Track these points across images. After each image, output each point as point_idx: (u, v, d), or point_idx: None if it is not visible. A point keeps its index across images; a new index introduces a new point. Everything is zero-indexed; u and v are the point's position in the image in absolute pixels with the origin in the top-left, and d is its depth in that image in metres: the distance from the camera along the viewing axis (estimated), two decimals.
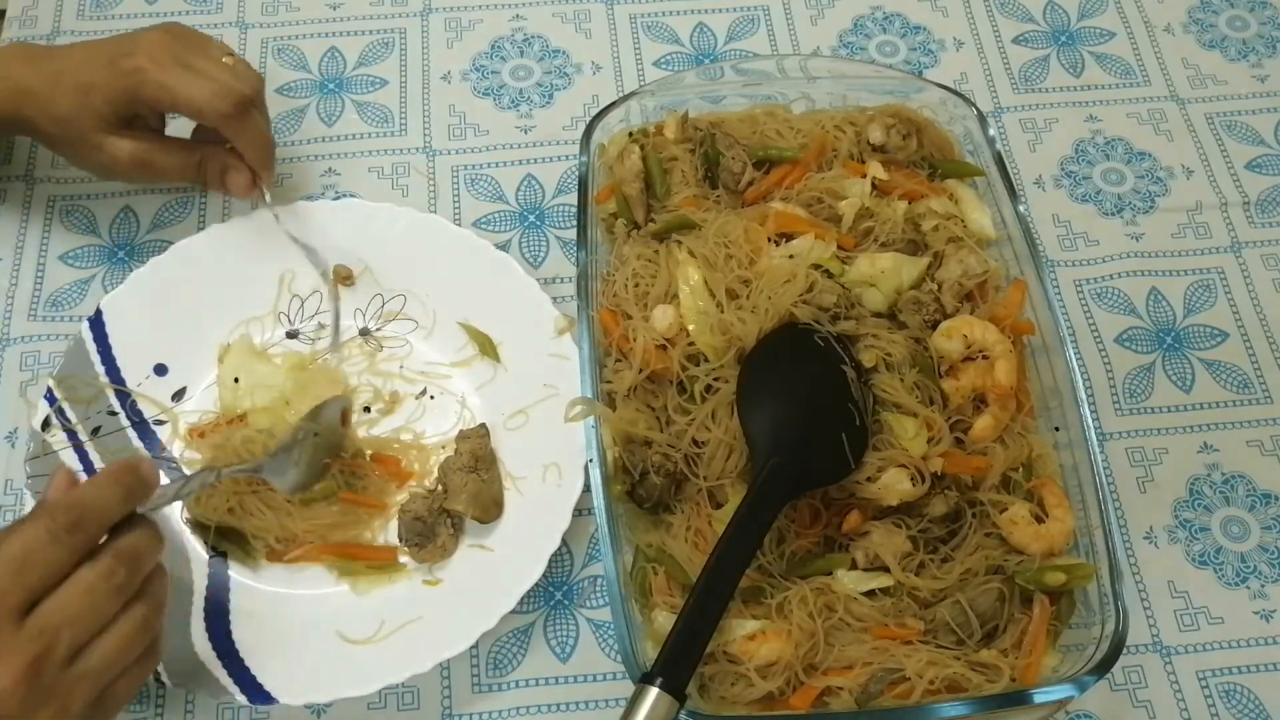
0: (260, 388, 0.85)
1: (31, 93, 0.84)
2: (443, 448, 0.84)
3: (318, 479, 0.80)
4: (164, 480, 0.76)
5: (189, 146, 0.89)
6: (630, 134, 0.90)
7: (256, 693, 0.74)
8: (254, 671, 0.75)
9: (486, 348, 0.88)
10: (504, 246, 0.93)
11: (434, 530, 0.79)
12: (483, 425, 0.83)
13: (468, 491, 0.80)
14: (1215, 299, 0.96)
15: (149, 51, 0.83)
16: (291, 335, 0.90)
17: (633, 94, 0.91)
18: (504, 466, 0.84)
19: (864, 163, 0.89)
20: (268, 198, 0.90)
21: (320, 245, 0.90)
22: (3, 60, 0.85)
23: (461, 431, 0.83)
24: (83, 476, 0.81)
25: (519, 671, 0.79)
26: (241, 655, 0.76)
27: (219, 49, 0.87)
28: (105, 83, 0.83)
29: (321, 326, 0.90)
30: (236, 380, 0.86)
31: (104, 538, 0.63)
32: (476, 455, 0.81)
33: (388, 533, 0.82)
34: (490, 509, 0.81)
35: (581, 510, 0.81)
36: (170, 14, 1.08)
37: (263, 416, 0.84)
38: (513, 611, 0.77)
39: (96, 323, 0.87)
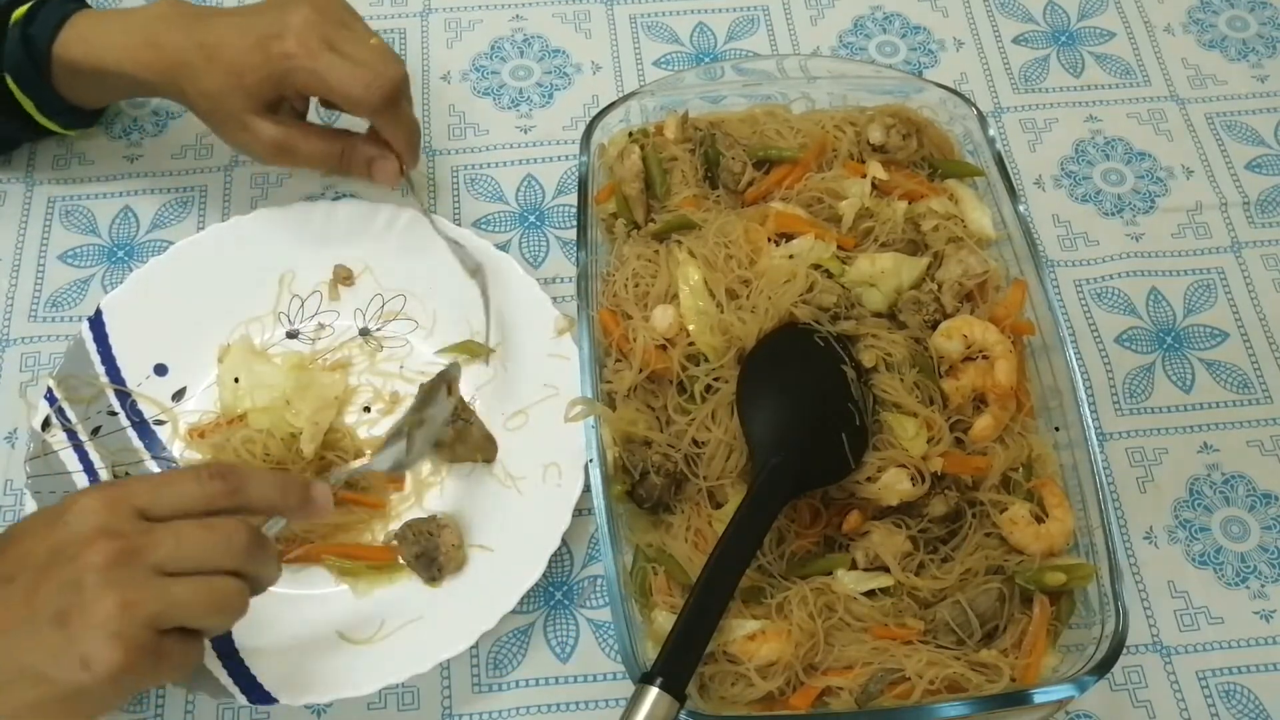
0: (260, 388, 0.85)
1: (186, 65, 0.83)
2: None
3: (428, 455, 0.81)
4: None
5: (331, 135, 0.88)
6: (630, 134, 0.90)
7: (256, 693, 0.74)
8: (254, 671, 0.75)
9: (478, 351, 0.88)
10: (504, 246, 0.93)
11: (436, 549, 0.79)
12: (444, 371, 0.82)
13: (462, 443, 0.81)
14: (1215, 299, 0.96)
15: (299, 34, 0.82)
16: (291, 335, 0.90)
17: (633, 94, 0.91)
18: (504, 466, 0.84)
19: (864, 163, 0.89)
20: (412, 188, 0.90)
21: (466, 241, 0.89)
22: (156, 24, 0.85)
23: (421, 386, 0.82)
24: (83, 477, 0.81)
25: (519, 671, 0.79)
26: (241, 655, 0.76)
27: (365, 29, 0.87)
28: (256, 65, 0.82)
29: (321, 326, 0.90)
30: (236, 380, 0.86)
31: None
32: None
33: (387, 533, 0.82)
34: (487, 447, 0.82)
35: (581, 510, 0.81)
36: None
37: (263, 416, 0.84)
38: (513, 611, 0.77)
39: (96, 323, 0.87)
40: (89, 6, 0.90)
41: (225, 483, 0.64)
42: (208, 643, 0.76)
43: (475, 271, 0.88)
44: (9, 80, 0.87)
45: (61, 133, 0.95)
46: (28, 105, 0.89)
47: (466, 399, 0.86)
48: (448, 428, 0.81)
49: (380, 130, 0.87)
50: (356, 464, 0.80)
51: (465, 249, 0.89)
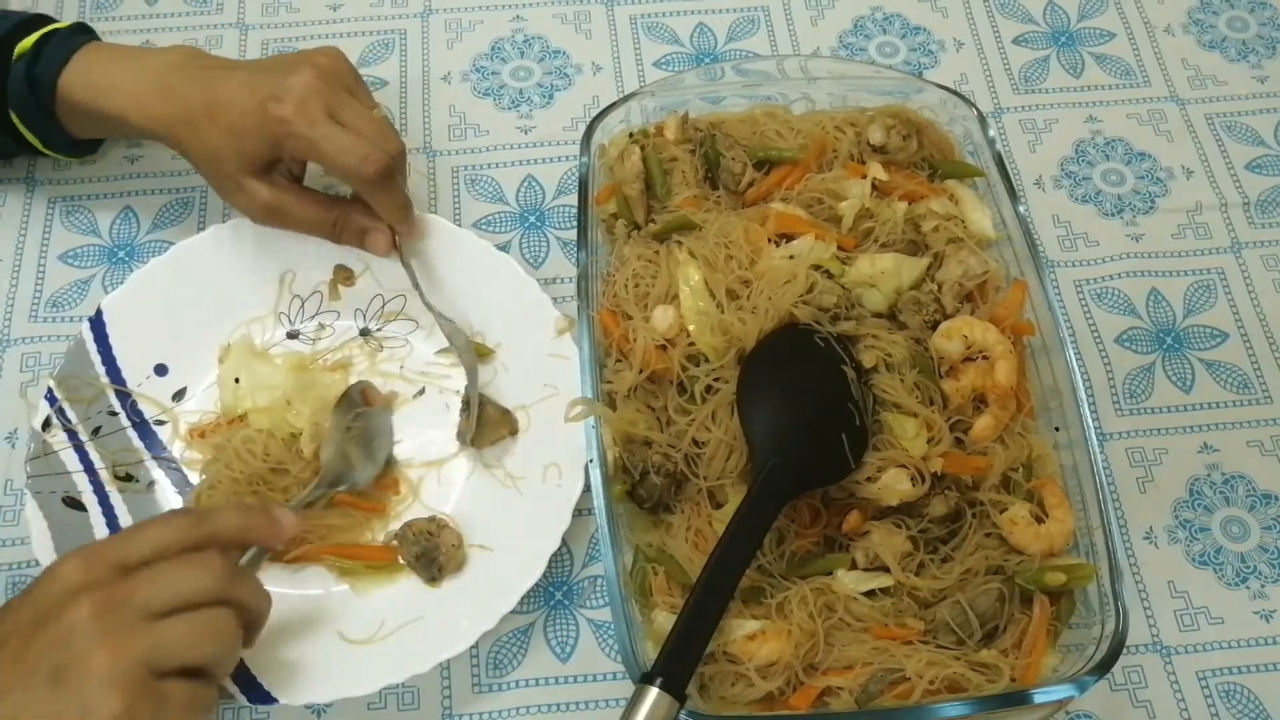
0: (261, 388, 0.85)
1: (190, 121, 0.83)
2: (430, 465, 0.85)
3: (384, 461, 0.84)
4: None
5: (325, 202, 0.88)
6: (630, 134, 0.90)
7: (256, 693, 0.74)
8: (254, 671, 0.75)
9: (480, 351, 0.88)
10: (504, 247, 0.93)
11: (436, 549, 0.79)
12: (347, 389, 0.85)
13: (482, 429, 0.83)
14: (1215, 299, 0.96)
15: (299, 100, 0.81)
16: (292, 335, 0.90)
17: (633, 94, 0.91)
18: (504, 466, 0.84)
19: (864, 163, 0.89)
20: (404, 259, 0.89)
21: (458, 317, 0.88)
22: (170, 73, 0.85)
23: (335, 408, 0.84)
24: (83, 477, 0.81)
25: (519, 671, 0.79)
26: (241, 655, 0.76)
27: (368, 98, 0.87)
28: (254, 127, 0.82)
29: (322, 327, 0.90)
30: (237, 381, 0.86)
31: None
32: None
33: (387, 533, 0.82)
34: (508, 421, 0.84)
35: (581, 510, 0.81)
36: (170, 15, 1.08)
37: (263, 417, 0.84)
38: (513, 611, 0.77)
39: (97, 323, 0.87)
40: (96, 37, 0.89)
41: (190, 517, 0.67)
42: None
43: (463, 350, 0.87)
44: (13, 117, 0.87)
45: (65, 159, 0.95)
46: (32, 140, 0.90)
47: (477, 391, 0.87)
48: (390, 437, 0.85)
49: (371, 204, 0.86)
50: (309, 489, 0.80)
51: (455, 326, 0.87)
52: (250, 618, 0.68)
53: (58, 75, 0.85)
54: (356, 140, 0.82)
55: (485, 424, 0.84)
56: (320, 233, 0.89)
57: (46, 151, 0.92)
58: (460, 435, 0.84)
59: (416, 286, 0.88)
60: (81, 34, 0.88)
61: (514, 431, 0.84)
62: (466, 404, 0.84)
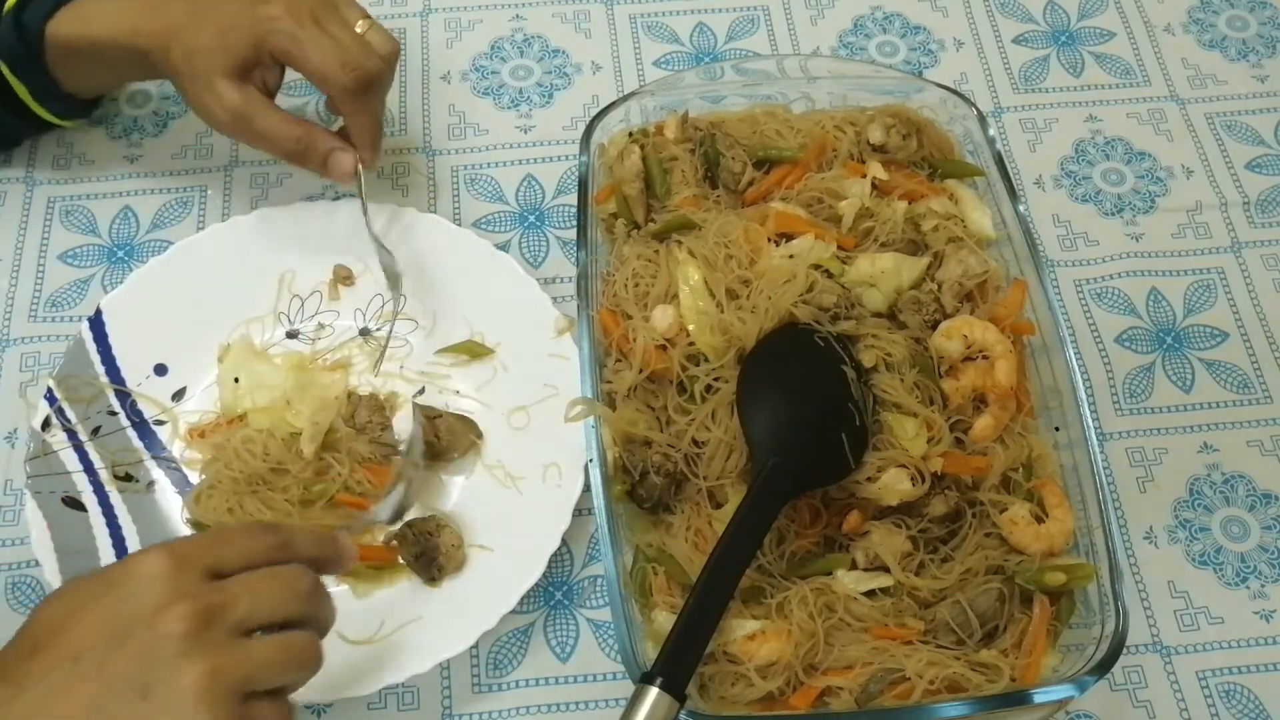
0: (260, 388, 0.85)
1: (178, 27, 0.84)
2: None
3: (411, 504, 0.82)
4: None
5: (292, 120, 0.87)
6: (630, 134, 0.90)
7: None
8: None
9: (478, 351, 0.88)
10: (504, 247, 0.93)
11: (436, 549, 0.79)
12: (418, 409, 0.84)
13: (447, 444, 0.83)
14: (1215, 299, 0.96)
15: (289, 2, 0.82)
16: (291, 335, 0.90)
17: (633, 94, 0.91)
18: (504, 466, 0.84)
19: (864, 163, 0.89)
20: (362, 187, 0.89)
21: (398, 253, 0.89)
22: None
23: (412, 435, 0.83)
24: (83, 477, 0.81)
25: (519, 671, 0.79)
26: None
27: (358, 11, 0.86)
28: (241, 25, 0.82)
29: (321, 326, 0.90)
30: (236, 380, 0.86)
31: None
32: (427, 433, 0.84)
33: (387, 533, 0.82)
34: (471, 428, 0.84)
35: (581, 510, 0.81)
36: None
37: (263, 417, 0.84)
38: (513, 611, 0.77)
39: (96, 323, 0.87)
40: None
41: (277, 536, 0.64)
42: None
43: (393, 281, 0.88)
44: (2, 67, 0.87)
45: (57, 123, 0.94)
46: (21, 91, 0.89)
47: (468, 401, 0.86)
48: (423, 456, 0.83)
49: (345, 116, 0.86)
50: (361, 517, 0.80)
51: (391, 255, 0.88)
52: (322, 635, 0.66)
53: (47, 18, 0.85)
54: (340, 48, 0.82)
55: (451, 437, 0.83)
56: (285, 147, 0.87)
57: (36, 108, 0.91)
58: (397, 513, 0.81)
59: (365, 214, 0.89)
60: None
61: (479, 436, 0.84)
62: (398, 478, 0.81)
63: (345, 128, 0.88)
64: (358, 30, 0.85)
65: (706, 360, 0.78)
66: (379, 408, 0.85)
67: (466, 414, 0.85)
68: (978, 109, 0.90)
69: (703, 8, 1.11)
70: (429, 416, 0.83)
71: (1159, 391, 0.91)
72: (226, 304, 0.90)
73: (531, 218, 0.98)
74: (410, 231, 0.92)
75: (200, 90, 0.84)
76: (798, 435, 0.76)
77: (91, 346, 0.86)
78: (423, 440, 0.81)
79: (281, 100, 1.01)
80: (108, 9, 0.86)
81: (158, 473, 0.84)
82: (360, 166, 0.88)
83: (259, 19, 0.82)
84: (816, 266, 0.81)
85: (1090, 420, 0.77)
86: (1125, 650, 0.70)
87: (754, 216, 0.84)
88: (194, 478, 0.84)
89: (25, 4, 0.86)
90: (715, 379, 0.78)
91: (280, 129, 0.86)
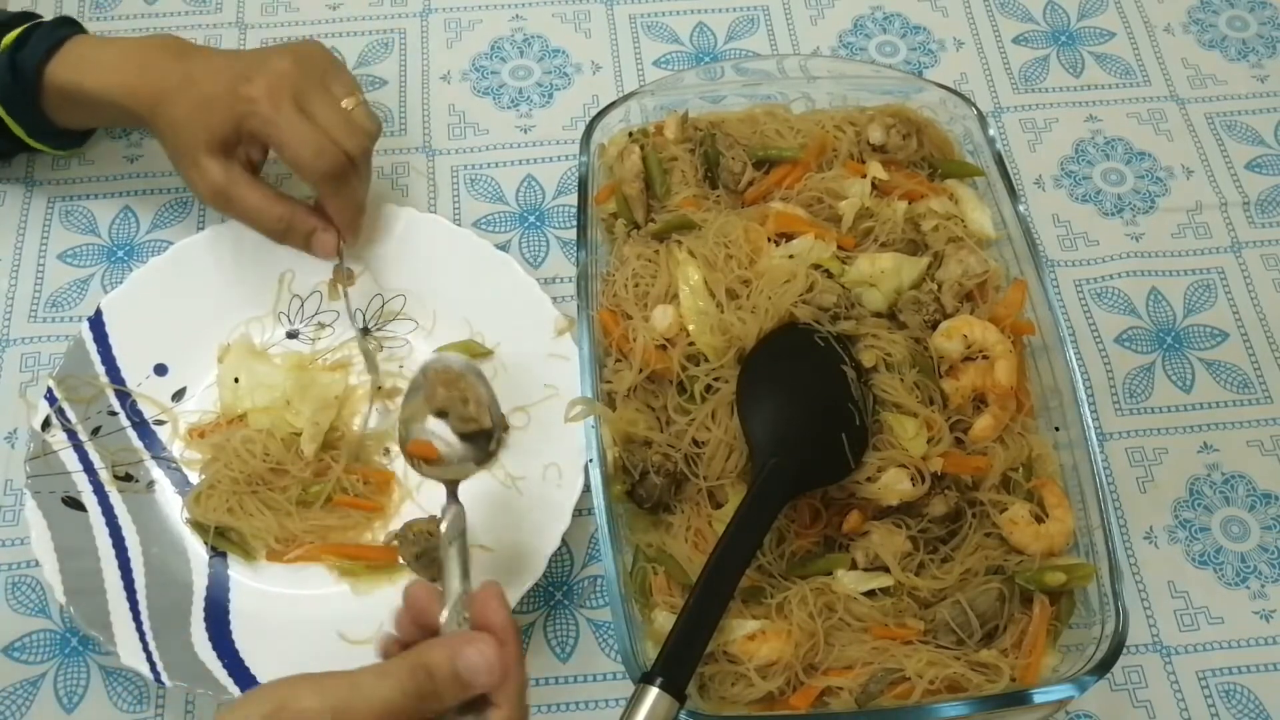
0: (260, 388, 0.85)
1: (167, 92, 0.84)
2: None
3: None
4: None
5: (275, 197, 0.86)
6: (630, 134, 0.90)
7: None
8: (254, 671, 0.75)
9: (477, 350, 0.88)
10: (504, 247, 0.93)
11: (436, 549, 0.78)
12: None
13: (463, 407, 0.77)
14: (1215, 299, 0.96)
15: (270, 83, 0.81)
16: (291, 335, 0.90)
17: (633, 94, 0.91)
18: (504, 466, 0.84)
19: (864, 163, 0.89)
20: (341, 265, 0.89)
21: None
22: (151, 52, 0.86)
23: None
24: (83, 477, 0.81)
25: None
26: (241, 655, 0.76)
27: (344, 88, 0.85)
28: (221, 102, 0.82)
29: (321, 326, 0.90)
30: (236, 380, 0.86)
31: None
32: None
33: (388, 533, 0.82)
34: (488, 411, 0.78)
35: (581, 510, 0.81)
36: (170, 14, 1.08)
37: (263, 417, 0.84)
38: (513, 611, 0.76)
39: (96, 323, 0.87)
40: (84, 31, 0.90)
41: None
42: (208, 643, 0.76)
43: (373, 364, 0.87)
44: None
45: (52, 153, 0.95)
46: (16, 129, 0.90)
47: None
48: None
49: (323, 201, 0.86)
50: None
51: (368, 339, 0.88)
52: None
53: (44, 63, 0.85)
54: (316, 133, 0.81)
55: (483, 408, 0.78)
56: (267, 225, 0.86)
57: (32, 142, 0.91)
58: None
59: (344, 294, 0.89)
60: (66, 27, 0.89)
61: (506, 428, 0.82)
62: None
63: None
64: (345, 106, 0.84)
65: (706, 360, 0.78)
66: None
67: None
68: (978, 109, 0.90)
69: (703, 8, 1.11)
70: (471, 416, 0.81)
71: (1159, 391, 0.91)
72: (226, 304, 0.90)
73: (531, 218, 0.98)
74: (410, 231, 0.92)
75: (185, 164, 0.85)
76: (798, 435, 0.76)
77: (91, 346, 0.86)
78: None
79: None
80: (103, 61, 0.86)
81: (158, 473, 0.84)
82: (343, 245, 0.88)
83: (239, 99, 0.81)
84: (816, 266, 0.81)
85: (1090, 420, 0.77)
86: (1125, 650, 0.70)
87: (754, 216, 0.84)
88: (194, 478, 0.84)
89: (21, 45, 0.86)
90: (715, 379, 0.78)
91: (262, 208, 0.85)
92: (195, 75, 0.83)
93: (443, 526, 0.66)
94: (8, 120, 0.89)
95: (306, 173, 0.82)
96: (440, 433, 0.72)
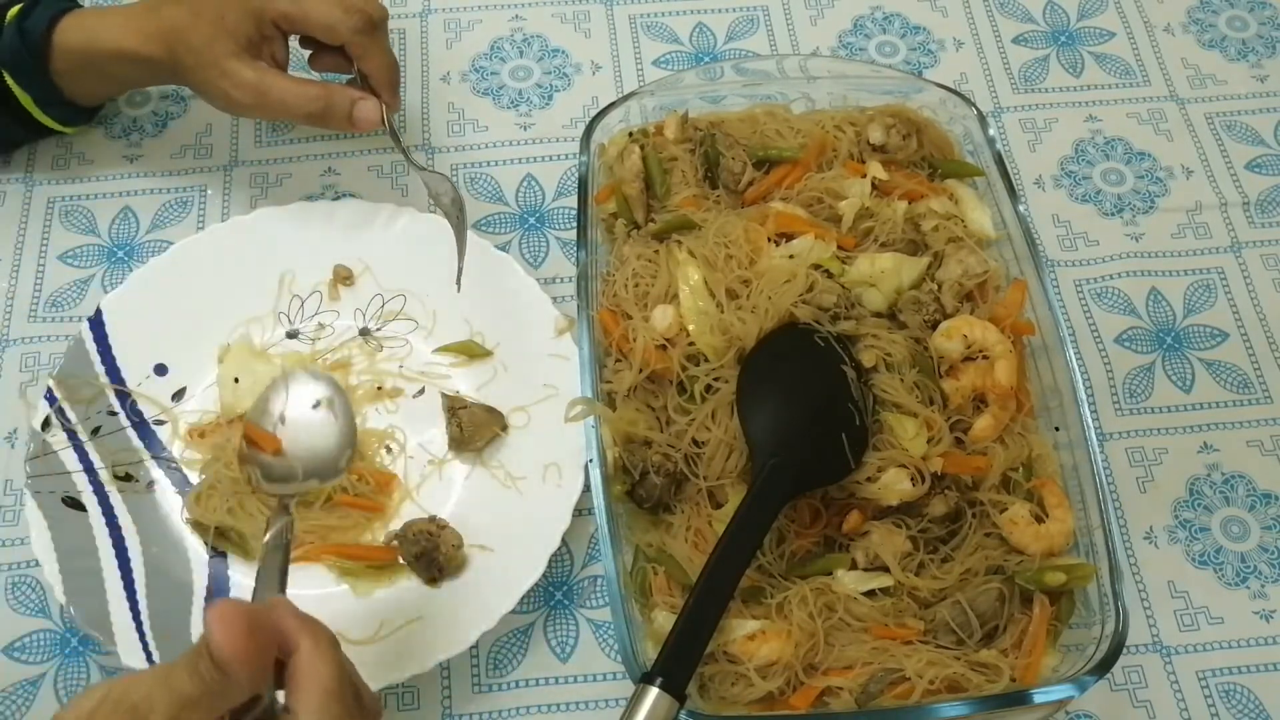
0: (260, 388, 0.85)
1: (178, 28, 0.85)
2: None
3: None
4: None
5: (309, 82, 0.88)
6: (630, 134, 0.90)
7: None
8: None
9: (476, 351, 0.88)
10: (504, 247, 0.93)
11: (436, 549, 0.79)
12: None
13: (471, 432, 0.83)
14: (1215, 299, 0.96)
15: None
16: (291, 335, 0.90)
17: (633, 94, 0.91)
18: (504, 466, 0.84)
19: (864, 163, 0.89)
20: (392, 127, 0.90)
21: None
22: (158, 2, 0.87)
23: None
24: (83, 477, 0.81)
25: (519, 671, 0.79)
26: None
27: None
28: (236, 5, 0.84)
29: (321, 326, 0.90)
30: (236, 380, 0.86)
31: None
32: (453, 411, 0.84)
33: (387, 533, 0.82)
34: (496, 419, 0.84)
35: (581, 510, 0.81)
36: None
37: None
38: (513, 611, 0.77)
39: (96, 323, 0.87)
40: (81, 6, 0.90)
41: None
42: None
43: (454, 203, 0.88)
44: (6, 76, 0.87)
45: (60, 129, 0.95)
46: (25, 100, 0.89)
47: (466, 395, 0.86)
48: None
49: (358, 60, 0.87)
50: None
51: (445, 180, 0.89)
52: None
53: (51, 27, 0.86)
54: None
55: (474, 426, 0.83)
56: (307, 109, 0.87)
57: (40, 116, 0.91)
58: (452, 442, 0.84)
59: (403, 152, 0.91)
60: (68, 1, 0.90)
61: (504, 428, 0.84)
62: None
63: (358, 78, 0.90)
64: None
65: (706, 360, 0.78)
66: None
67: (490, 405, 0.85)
68: (978, 109, 0.90)
69: (703, 8, 1.11)
70: (454, 407, 0.83)
71: (1159, 391, 0.91)
72: (226, 304, 0.90)
73: (532, 219, 0.98)
74: (410, 231, 0.92)
75: (214, 78, 0.85)
76: (798, 435, 0.76)
77: (91, 346, 0.86)
78: None
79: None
80: (110, 21, 0.87)
81: (158, 473, 0.84)
82: (386, 112, 0.89)
83: None
84: (816, 266, 0.81)
85: (1090, 420, 0.77)
86: (1125, 650, 0.70)
87: (754, 216, 0.84)
88: (194, 478, 0.84)
89: (28, 13, 0.86)
90: (715, 379, 0.78)
91: (299, 92, 0.87)
92: (203, 1, 0.85)
93: (266, 537, 0.66)
94: (16, 91, 0.89)
95: (341, 31, 0.84)
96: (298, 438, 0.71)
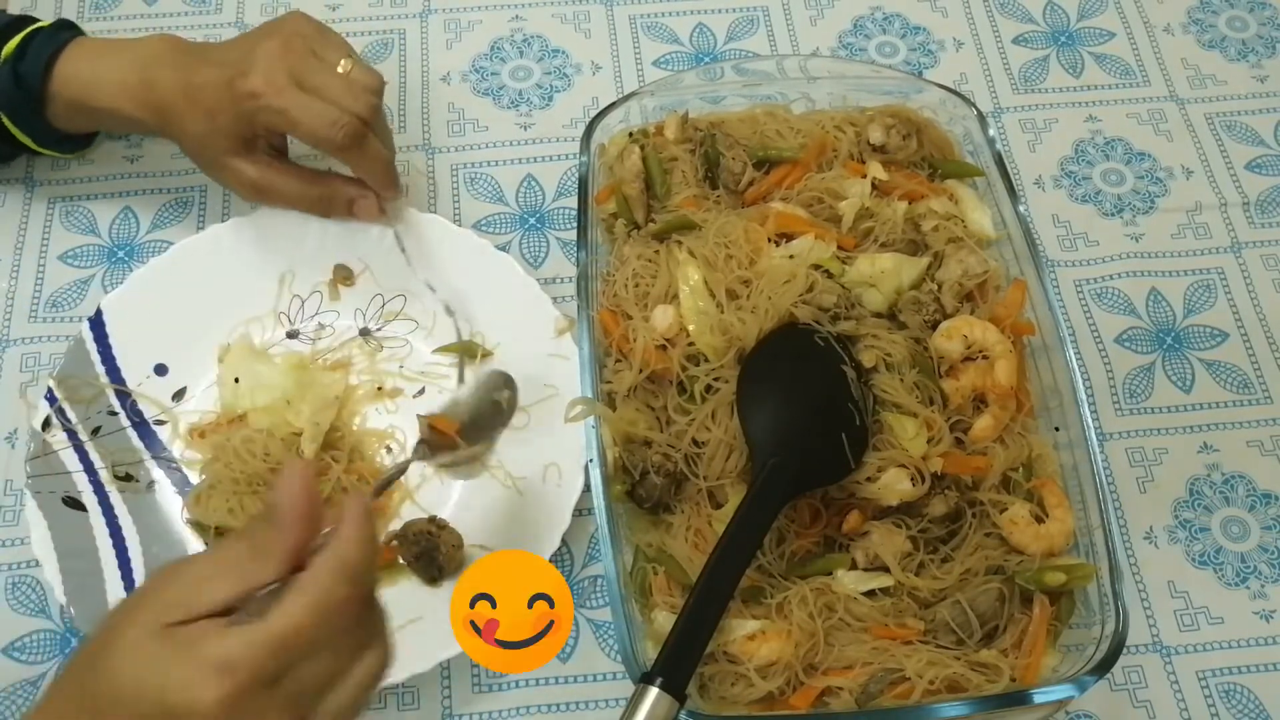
0: (260, 388, 0.85)
1: (173, 108, 0.84)
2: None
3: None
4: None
5: (310, 176, 0.88)
6: (630, 134, 0.90)
7: None
8: None
9: (476, 351, 0.88)
10: (504, 247, 0.93)
11: (436, 549, 0.79)
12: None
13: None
14: (1215, 299, 0.96)
15: (265, 71, 0.81)
16: (291, 335, 0.90)
17: (633, 94, 0.91)
18: (504, 466, 0.84)
19: (864, 163, 0.89)
20: (391, 216, 0.89)
21: (441, 281, 0.89)
22: (150, 64, 0.85)
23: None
24: (83, 477, 0.81)
25: None
26: None
27: (337, 52, 0.84)
28: (227, 106, 0.82)
29: (321, 327, 0.90)
30: (237, 380, 0.86)
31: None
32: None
33: (387, 533, 0.82)
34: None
35: (581, 510, 0.81)
36: (170, 14, 1.08)
37: (263, 416, 0.84)
38: None
39: (96, 323, 0.87)
40: (80, 32, 0.90)
41: (346, 590, 0.54)
42: None
43: (447, 309, 0.88)
44: (3, 118, 0.88)
45: (59, 157, 0.96)
46: (23, 139, 0.90)
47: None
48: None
49: (351, 167, 0.86)
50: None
51: (436, 286, 0.89)
52: (383, 618, 0.59)
53: (45, 73, 0.85)
54: (324, 107, 0.81)
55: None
56: (309, 206, 0.89)
57: (40, 150, 0.92)
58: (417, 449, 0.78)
59: (404, 251, 0.89)
60: (65, 30, 0.89)
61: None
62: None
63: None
64: (340, 71, 0.84)
65: (706, 360, 0.78)
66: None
67: None
68: (978, 109, 0.90)
69: (703, 8, 1.11)
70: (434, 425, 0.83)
71: (1159, 391, 0.91)
72: (226, 304, 0.90)
73: (532, 220, 0.98)
74: (410, 231, 0.91)
75: (215, 172, 0.87)
76: (798, 435, 0.76)
77: (92, 346, 0.86)
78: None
79: None
80: (106, 73, 0.86)
81: (158, 473, 0.84)
82: (388, 201, 0.89)
83: (241, 97, 0.81)
84: (816, 266, 0.81)
85: (1090, 420, 0.77)
86: (1125, 650, 0.70)
87: (754, 216, 0.84)
88: (194, 478, 0.84)
89: (21, 54, 0.86)
90: (715, 379, 0.78)
91: (300, 191, 0.88)
92: (195, 84, 0.83)
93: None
94: (14, 131, 0.89)
95: (326, 146, 0.83)
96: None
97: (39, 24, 0.89)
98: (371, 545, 0.56)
